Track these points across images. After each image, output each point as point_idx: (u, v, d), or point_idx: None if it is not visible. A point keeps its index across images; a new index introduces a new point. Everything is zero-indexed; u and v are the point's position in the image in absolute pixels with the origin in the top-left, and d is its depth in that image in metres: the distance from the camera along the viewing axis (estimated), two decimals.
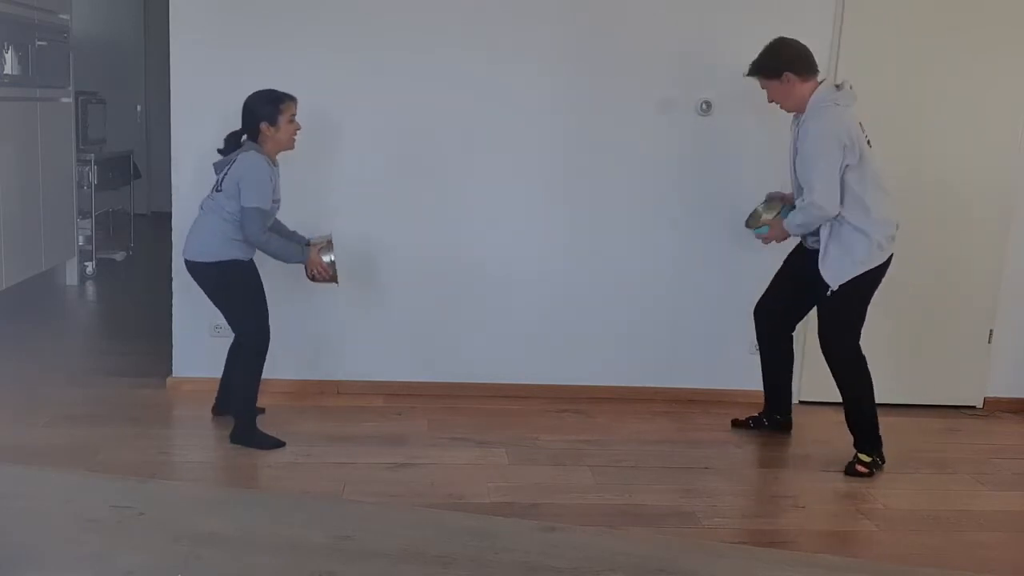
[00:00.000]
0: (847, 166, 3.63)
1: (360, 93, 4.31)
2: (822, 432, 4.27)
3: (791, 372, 4.21)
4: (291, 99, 3.75)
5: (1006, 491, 3.81)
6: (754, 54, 4.36)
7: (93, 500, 1.69)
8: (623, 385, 4.60)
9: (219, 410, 4.09)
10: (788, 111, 3.83)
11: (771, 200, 3.98)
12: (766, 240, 3.96)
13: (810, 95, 3.70)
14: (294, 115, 3.76)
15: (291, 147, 3.81)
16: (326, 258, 3.88)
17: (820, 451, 4.07)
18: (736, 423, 4.28)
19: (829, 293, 3.72)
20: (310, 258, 3.86)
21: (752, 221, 3.99)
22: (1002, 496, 3.75)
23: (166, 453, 3.82)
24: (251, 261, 3.85)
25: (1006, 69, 4.48)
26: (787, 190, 3.97)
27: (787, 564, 1.65)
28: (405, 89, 4.31)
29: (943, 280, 4.61)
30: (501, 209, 4.44)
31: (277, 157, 3.83)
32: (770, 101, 3.82)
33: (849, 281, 3.70)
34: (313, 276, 3.90)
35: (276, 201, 3.81)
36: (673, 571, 1.52)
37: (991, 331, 4.70)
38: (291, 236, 3.98)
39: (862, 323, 3.79)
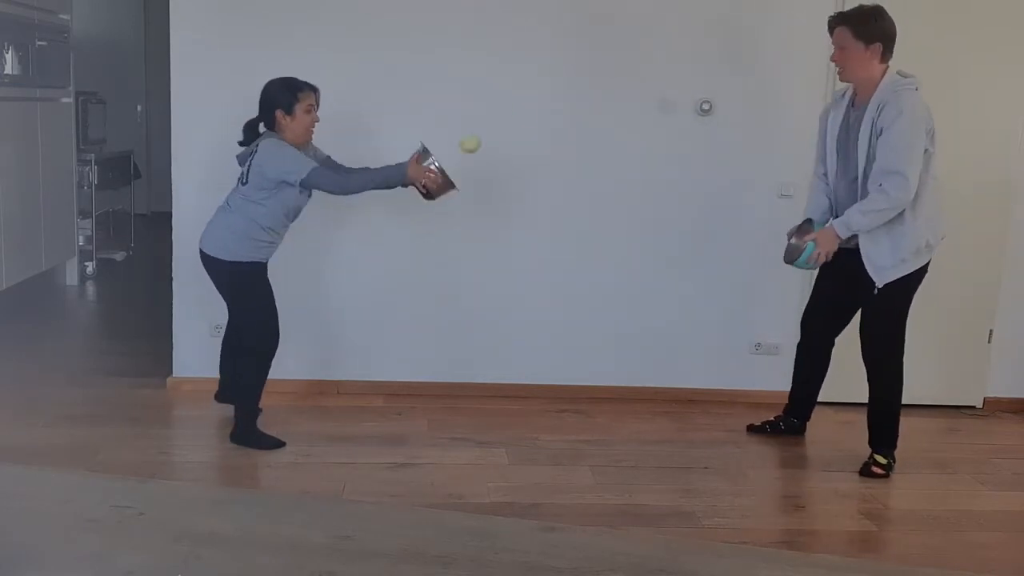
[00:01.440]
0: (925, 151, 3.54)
1: (360, 93, 4.31)
2: (823, 432, 4.27)
3: (822, 382, 4.11)
4: (310, 88, 3.67)
5: (1006, 491, 3.81)
6: (754, 54, 4.37)
7: (93, 500, 1.69)
8: (623, 385, 4.60)
9: (221, 398, 4.08)
10: (845, 80, 3.67)
11: (794, 233, 3.80)
12: (816, 258, 3.67)
13: (879, 79, 3.57)
14: (312, 105, 3.67)
15: (308, 139, 3.72)
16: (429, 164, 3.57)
17: (821, 451, 4.07)
18: (752, 428, 4.21)
19: (876, 292, 3.66)
20: (409, 173, 3.56)
21: (792, 253, 3.77)
22: (1002, 496, 3.75)
23: (166, 453, 3.82)
24: (265, 264, 3.84)
25: (1006, 69, 4.48)
26: (799, 183, 3.89)
27: (787, 564, 1.65)
28: (405, 89, 4.31)
29: (943, 280, 4.60)
30: (501, 209, 4.44)
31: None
32: (835, 60, 3.65)
33: (894, 281, 3.64)
34: (427, 190, 3.62)
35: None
36: (673, 571, 1.52)
37: (991, 331, 4.70)
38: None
39: (905, 323, 3.73)
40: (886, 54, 3.59)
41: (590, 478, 3.68)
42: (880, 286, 3.64)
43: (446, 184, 3.63)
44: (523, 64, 4.35)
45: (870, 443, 3.84)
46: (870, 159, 3.57)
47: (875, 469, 3.79)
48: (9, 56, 5.44)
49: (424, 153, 3.62)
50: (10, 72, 5.46)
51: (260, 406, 3.94)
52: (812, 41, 4.35)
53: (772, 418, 4.20)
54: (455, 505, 3.37)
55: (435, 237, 4.45)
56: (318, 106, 3.73)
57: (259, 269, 3.80)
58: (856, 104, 3.68)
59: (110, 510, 1.64)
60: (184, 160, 4.27)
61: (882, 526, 3.43)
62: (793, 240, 3.78)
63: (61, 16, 6.17)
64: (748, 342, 4.61)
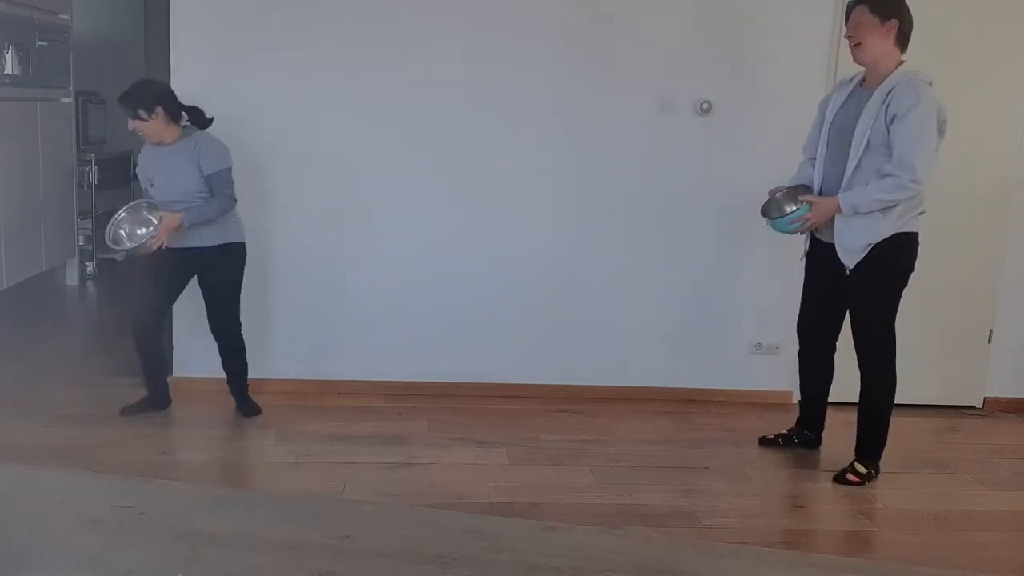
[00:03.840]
0: None
1: (360, 92, 4.31)
2: (823, 432, 4.26)
3: (829, 388, 4.05)
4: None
5: (1006, 491, 3.81)
6: (755, 54, 4.38)
7: (93, 500, 1.69)
8: (623, 385, 4.60)
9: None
10: (857, 59, 3.59)
11: (781, 192, 3.74)
12: (805, 222, 3.60)
13: (893, 67, 3.52)
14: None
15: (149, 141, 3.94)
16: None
17: (821, 451, 4.06)
18: (764, 441, 4.13)
19: (847, 273, 3.61)
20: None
21: (772, 209, 3.70)
22: (1002, 496, 3.75)
23: (166, 453, 3.82)
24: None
25: (1006, 69, 4.48)
26: (796, 175, 3.86)
27: (787, 564, 1.64)
28: (405, 89, 4.31)
29: (943, 280, 4.61)
30: (501, 210, 4.44)
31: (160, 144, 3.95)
32: (849, 36, 3.57)
33: (876, 283, 3.60)
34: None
35: (148, 179, 3.95)
36: (673, 571, 1.52)
37: (991, 331, 4.70)
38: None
39: (893, 326, 3.66)
40: (901, 39, 3.53)
41: (590, 478, 3.68)
42: (850, 267, 3.59)
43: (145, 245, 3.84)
44: (523, 64, 4.35)
45: (855, 450, 3.81)
46: (868, 145, 3.50)
47: (850, 477, 3.75)
48: (9, 56, 5.43)
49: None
50: (10, 72, 5.46)
51: (259, 405, 4.01)
52: (811, 41, 4.36)
53: (785, 431, 4.14)
54: (455, 505, 3.37)
55: (435, 237, 4.45)
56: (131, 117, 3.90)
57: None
58: (865, 86, 3.61)
59: (110, 510, 1.63)
60: None
61: (882, 526, 3.43)
62: (779, 195, 3.71)
63: (61, 16, 6.17)
64: (748, 342, 4.61)
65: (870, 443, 3.79)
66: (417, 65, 4.29)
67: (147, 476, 3.33)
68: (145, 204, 3.93)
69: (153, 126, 3.86)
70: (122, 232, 3.91)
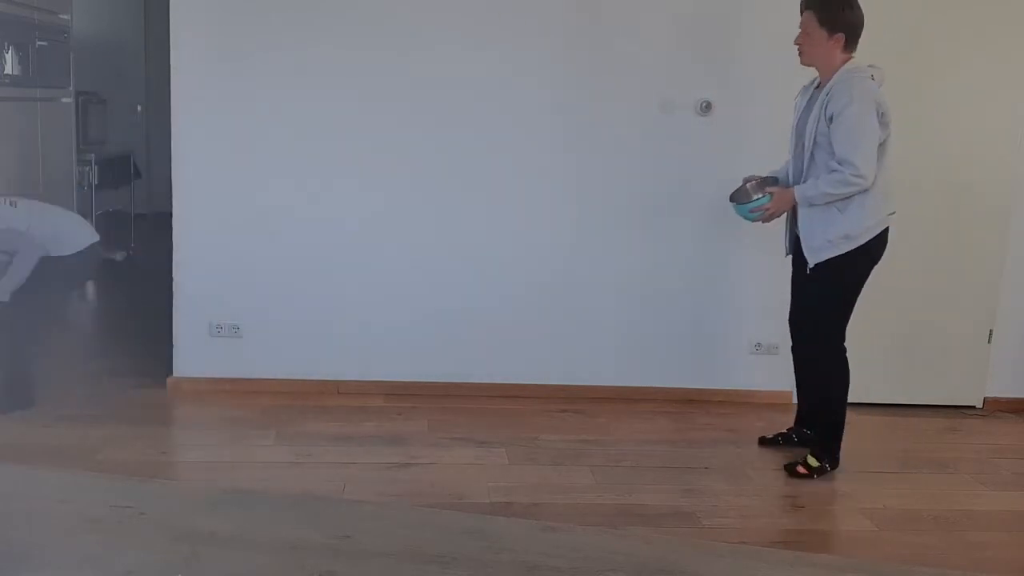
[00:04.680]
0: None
1: (360, 92, 4.31)
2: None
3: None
4: None
5: (1006, 491, 3.81)
6: (755, 53, 4.37)
7: (93, 500, 1.69)
8: (623, 385, 4.60)
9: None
10: (804, 63, 3.67)
11: (753, 180, 3.81)
12: (764, 211, 3.70)
13: (839, 67, 3.57)
14: None
15: None
16: None
17: None
18: (764, 441, 4.13)
19: (808, 271, 3.65)
20: None
21: (741, 196, 3.78)
22: (1002, 496, 3.75)
23: (166, 453, 3.82)
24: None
25: (1006, 68, 4.48)
26: (781, 164, 3.88)
27: (787, 564, 1.64)
28: (405, 88, 4.31)
29: (943, 280, 4.61)
30: (501, 210, 4.44)
31: None
32: (797, 43, 3.65)
33: (826, 269, 3.61)
34: None
35: None
36: (673, 571, 1.52)
37: (991, 331, 4.70)
38: None
39: (850, 311, 3.68)
40: (849, 45, 3.58)
41: (590, 478, 3.68)
42: (811, 265, 3.63)
43: None
44: (523, 64, 4.35)
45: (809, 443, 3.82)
46: (816, 141, 3.58)
47: (800, 469, 3.77)
48: (9, 56, 5.43)
49: None
50: (10, 72, 5.46)
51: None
52: None
53: (785, 431, 4.13)
54: (455, 505, 3.37)
55: (435, 236, 4.45)
56: None
57: None
58: (820, 87, 3.68)
59: (110, 510, 1.63)
60: (184, 160, 4.27)
61: (882, 526, 3.43)
62: (749, 185, 3.78)
63: (61, 16, 6.17)
64: (748, 342, 4.61)
65: (825, 434, 3.79)
66: (417, 65, 4.29)
67: (147, 476, 3.33)
68: None
69: None
70: None
